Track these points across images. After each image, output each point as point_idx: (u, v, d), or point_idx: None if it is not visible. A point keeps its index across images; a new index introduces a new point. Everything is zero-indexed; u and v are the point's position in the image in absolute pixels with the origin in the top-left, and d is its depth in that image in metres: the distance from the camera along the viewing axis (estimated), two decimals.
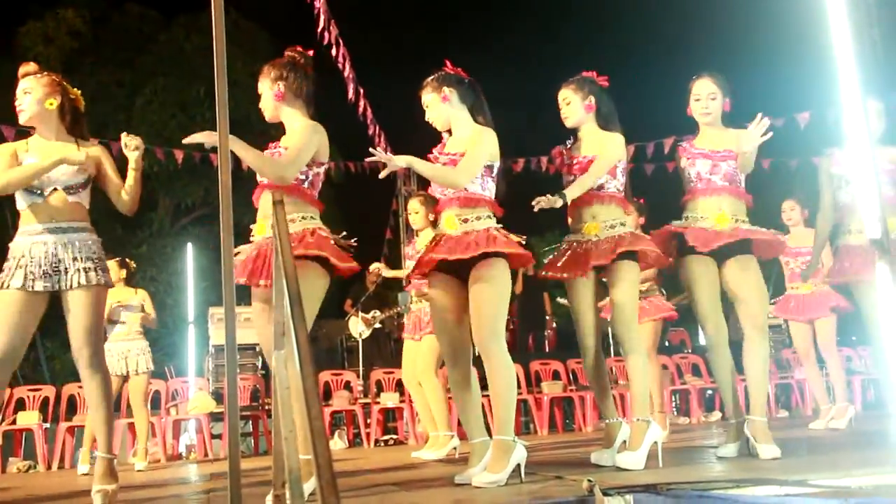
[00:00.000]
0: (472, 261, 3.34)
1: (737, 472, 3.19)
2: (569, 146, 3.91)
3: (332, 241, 3.28)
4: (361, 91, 9.13)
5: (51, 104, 3.58)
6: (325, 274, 3.25)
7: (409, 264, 5.82)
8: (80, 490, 4.36)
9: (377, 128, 10.16)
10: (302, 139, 3.25)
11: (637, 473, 3.26)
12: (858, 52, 3.30)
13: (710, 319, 3.93)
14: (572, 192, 3.60)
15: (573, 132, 3.92)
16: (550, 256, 3.92)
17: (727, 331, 3.96)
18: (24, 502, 3.88)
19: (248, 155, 3.14)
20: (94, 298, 3.46)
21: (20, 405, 7.43)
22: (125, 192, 3.65)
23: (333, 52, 8.14)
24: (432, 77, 3.58)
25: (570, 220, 3.92)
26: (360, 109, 9.30)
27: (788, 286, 6.29)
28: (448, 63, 3.62)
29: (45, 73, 3.64)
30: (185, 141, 3.19)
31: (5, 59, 14.23)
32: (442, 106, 3.54)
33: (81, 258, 3.46)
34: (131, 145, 3.62)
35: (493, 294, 3.31)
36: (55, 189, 3.50)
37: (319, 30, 7.93)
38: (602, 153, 3.73)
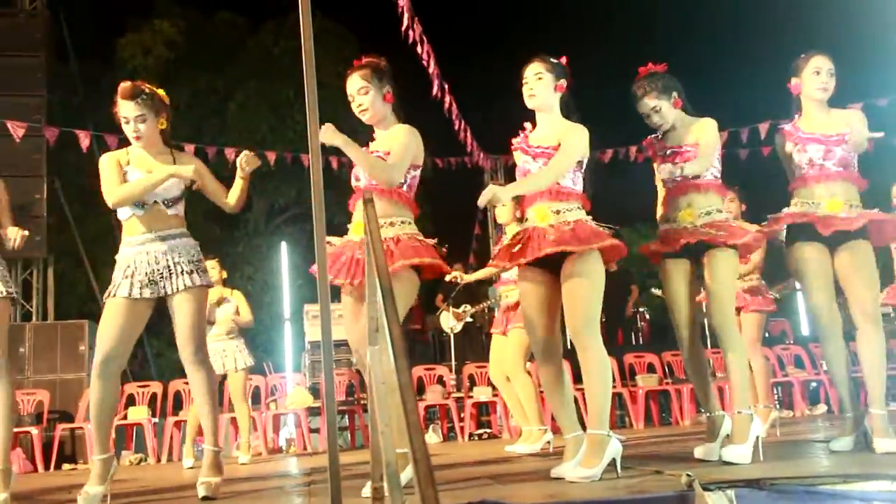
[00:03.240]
0: (565, 254, 3.30)
1: (845, 466, 3.08)
2: (660, 136, 3.84)
3: (425, 246, 3.37)
4: (446, 87, 9.16)
5: (162, 124, 3.75)
6: (416, 280, 3.39)
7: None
8: (187, 483, 4.54)
9: (462, 123, 10.19)
10: (404, 143, 3.36)
11: (739, 468, 3.17)
12: None
13: (823, 309, 3.79)
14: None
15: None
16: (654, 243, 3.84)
17: (841, 320, 3.81)
18: (138, 494, 4.06)
19: (360, 157, 3.29)
20: (196, 299, 3.61)
21: (130, 401, 7.79)
22: (232, 197, 3.78)
23: (418, 49, 8.21)
24: (552, 59, 3.50)
25: (663, 209, 3.84)
26: (446, 105, 9.34)
27: None
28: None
29: (151, 90, 3.71)
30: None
31: (107, 69, 14.92)
32: (552, 92, 3.46)
33: (183, 262, 3.61)
34: (248, 167, 3.71)
35: (588, 287, 3.26)
36: (155, 202, 3.65)
37: (404, 28, 8.00)
38: (705, 141, 3.64)
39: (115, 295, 3.56)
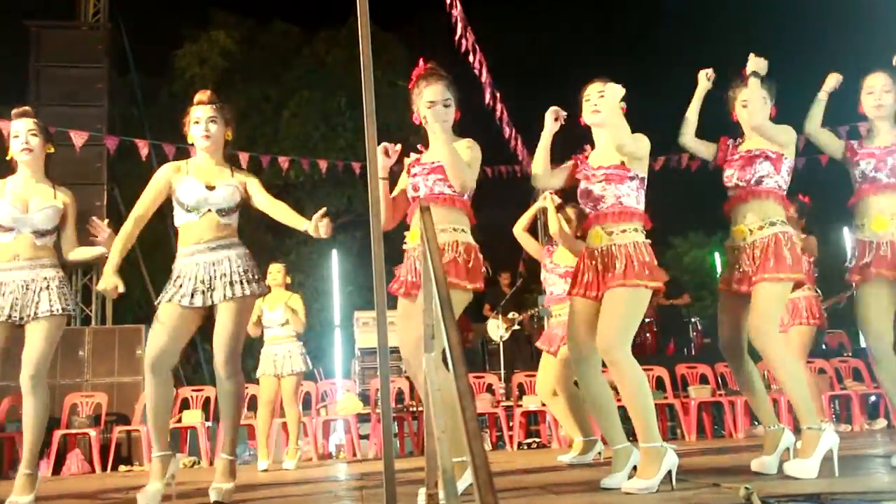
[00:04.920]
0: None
1: None
2: (739, 142, 3.78)
3: (473, 261, 3.41)
4: (498, 95, 9.18)
5: (228, 136, 3.86)
6: (467, 297, 3.45)
7: (545, 276, 5.77)
8: (244, 485, 4.61)
9: (513, 131, 10.19)
10: (475, 155, 3.46)
11: (798, 482, 3.11)
12: None
13: (871, 329, 3.73)
14: None
15: (741, 131, 3.77)
16: (724, 271, 3.82)
17: (891, 337, 3.72)
18: (194, 495, 4.13)
19: (451, 153, 3.34)
20: (237, 309, 3.65)
21: (185, 405, 7.94)
22: (284, 218, 3.81)
23: (471, 58, 8.25)
24: (610, 81, 3.49)
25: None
26: (498, 114, 9.35)
27: None
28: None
29: (223, 103, 3.86)
30: None
31: (164, 80, 15.27)
32: (617, 113, 3.41)
33: (230, 273, 3.66)
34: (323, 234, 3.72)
35: (626, 307, 3.28)
36: (209, 210, 3.71)
37: (457, 37, 8.05)
38: (781, 140, 3.61)
39: (164, 301, 3.66)
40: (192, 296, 3.63)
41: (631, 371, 3.21)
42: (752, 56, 3.64)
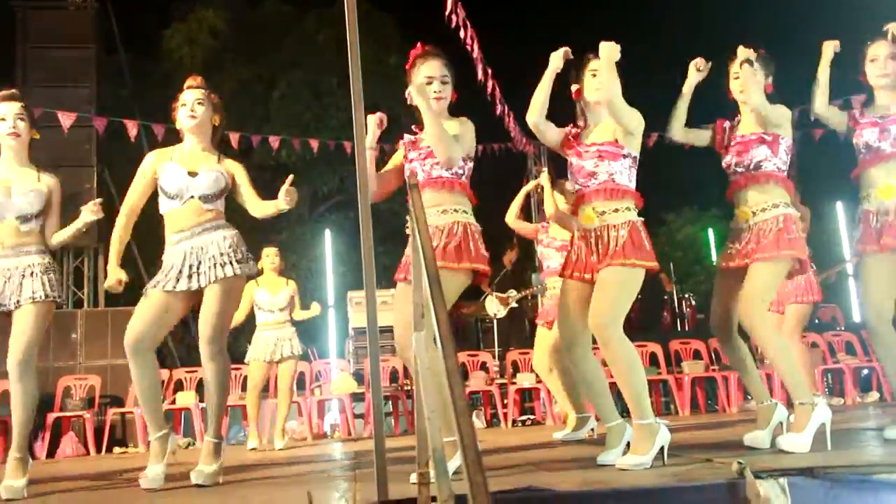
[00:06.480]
0: None
1: None
2: (735, 124, 3.76)
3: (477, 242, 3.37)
4: (489, 72, 9.11)
5: (216, 121, 3.88)
6: (466, 280, 3.41)
7: (541, 251, 5.75)
8: (237, 466, 4.61)
9: (506, 108, 10.12)
10: (465, 129, 3.42)
11: (791, 456, 3.12)
12: None
13: (872, 301, 3.72)
14: None
15: (737, 110, 3.74)
16: (726, 247, 3.79)
17: (891, 312, 3.72)
18: (188, 476, 4.12)
19: (435, 125, 3.27)
20: (224, 289, 3.62)
21: (179, 386, 7.93)
22: (259, 211, 3.78)
23: (462, 34, 8.17)
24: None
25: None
26: (489, 91, 9.29)
27: None
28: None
29: (212, 91, 3.89)
30: None
31: (152, 60, 15.11)
32: (614, 78, 3.32)
33: (217, 255, 3.64)
34: (289, 204, 3.66)
35: (619, 289, 3.26)
36: (192, 197, 3.69)
37: (447, 12, 7.97)
38: (774, 119, 3.59)
39: (149, 289, 3.69)
40: (178, 280, 3.61)
41: (622, 349, 3.19)
42: (741, 48, 3.63)
